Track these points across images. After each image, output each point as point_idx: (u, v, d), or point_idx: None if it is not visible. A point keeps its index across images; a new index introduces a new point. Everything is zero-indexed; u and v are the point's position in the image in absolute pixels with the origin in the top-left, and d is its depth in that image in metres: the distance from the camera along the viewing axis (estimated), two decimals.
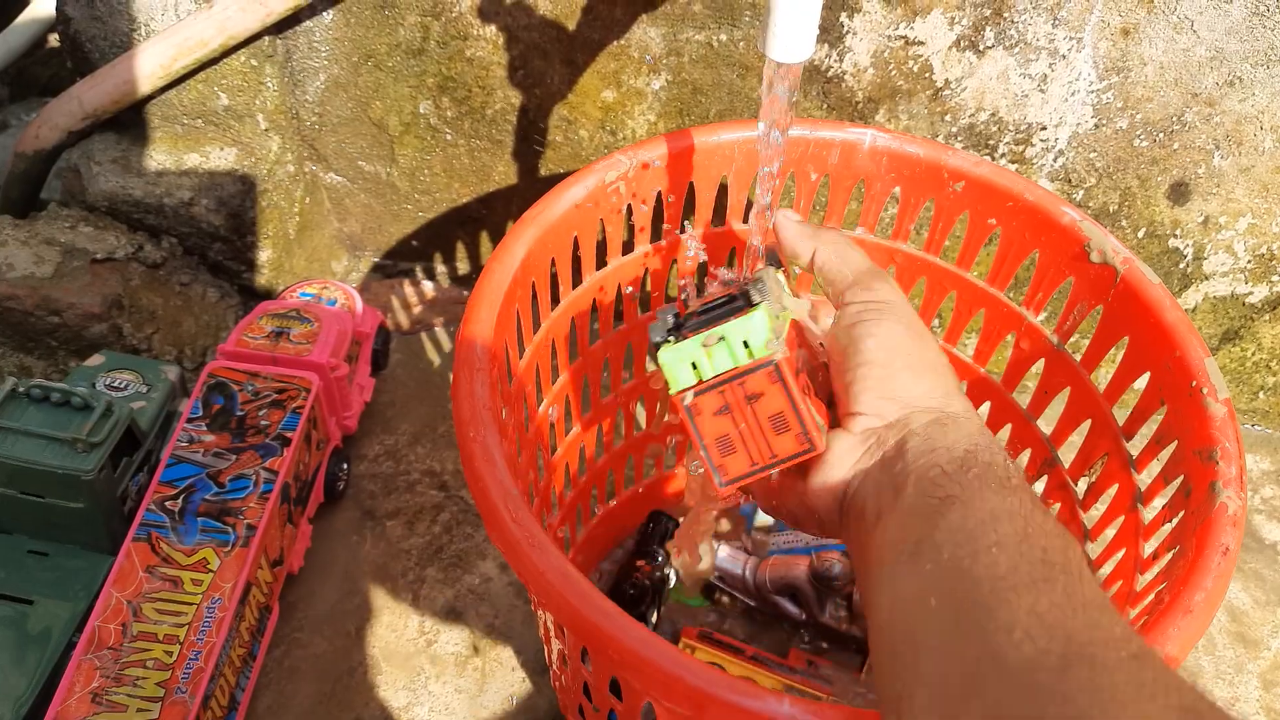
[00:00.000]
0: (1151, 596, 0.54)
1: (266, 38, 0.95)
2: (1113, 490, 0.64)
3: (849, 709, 0.42)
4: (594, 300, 0.72)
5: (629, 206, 0.69)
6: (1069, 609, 0.35)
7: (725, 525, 0.95)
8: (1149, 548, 0.58)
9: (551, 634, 0.63)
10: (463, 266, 1.18)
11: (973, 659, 0.36)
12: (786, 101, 0.53)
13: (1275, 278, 1.01)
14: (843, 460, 0.49)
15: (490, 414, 0.52)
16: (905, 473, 0.45)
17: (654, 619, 0.86)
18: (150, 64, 0.93)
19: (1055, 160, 0.95)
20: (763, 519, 0.94)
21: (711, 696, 0.43)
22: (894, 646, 0.41)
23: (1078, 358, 0.68)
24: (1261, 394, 1.12)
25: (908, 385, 0.48)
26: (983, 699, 0.34)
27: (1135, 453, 0.63)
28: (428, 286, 1.18)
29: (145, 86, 0.94)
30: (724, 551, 0.90)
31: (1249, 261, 1.00)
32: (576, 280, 0.71)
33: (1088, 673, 0.32)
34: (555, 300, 0.70)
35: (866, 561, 0.46)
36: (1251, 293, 1.03)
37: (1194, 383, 0.57)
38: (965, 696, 0.35)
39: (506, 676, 0.86)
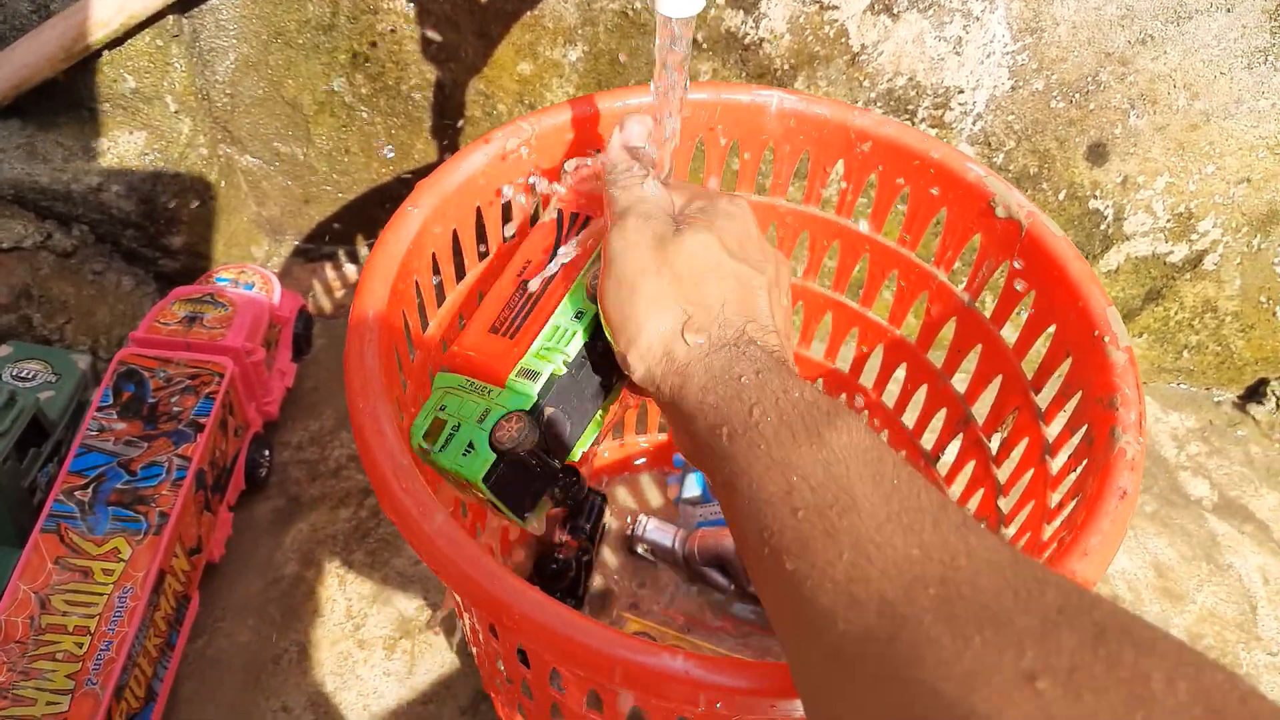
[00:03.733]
0: (1055, 545, 0.54)
1: (171, 17, 0.93)
2: (1023, 444, 0.65)
3: (738, 660, 0.42)
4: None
5: (533, 176, 0.68)
6: (866, 560, 0.35)
7: (663, 504, 0.95)
8: (1056, 497, 0.58)
9: (462, 608, 0.62)
10: None
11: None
12: (680, 58, 0.53)
13: (1194, 236, 1.02)
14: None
15: (381, 384, 0.51)
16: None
17: (581, 594, 0.85)
18: (50, 46, 0.90)
19: (974, 124, 0.95)
20: (691, 491, 0.94)
21: (607, 656, 0.42)
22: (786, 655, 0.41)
23: (988, 314, 0.68)
24: (1185, 353, 1.13)
25: (637, 349, 0.49)
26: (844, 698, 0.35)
27: (1044, 405, 0.63)
28: (350, 270, 1.17)
29: (47, 70, 0.91)
30: (653, 524, 0.89)
31: (1168, 221, 1.01)
32: (484, 253, 0.70)
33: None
34: (461, 273, 0.69)
35: None
36: (1172, 252, 1.04)
37: (1097, 331, 0.57)
38: (835, 711, 0.36)
39: (436, 658, 0.85)
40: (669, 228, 0.51)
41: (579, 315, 0.55)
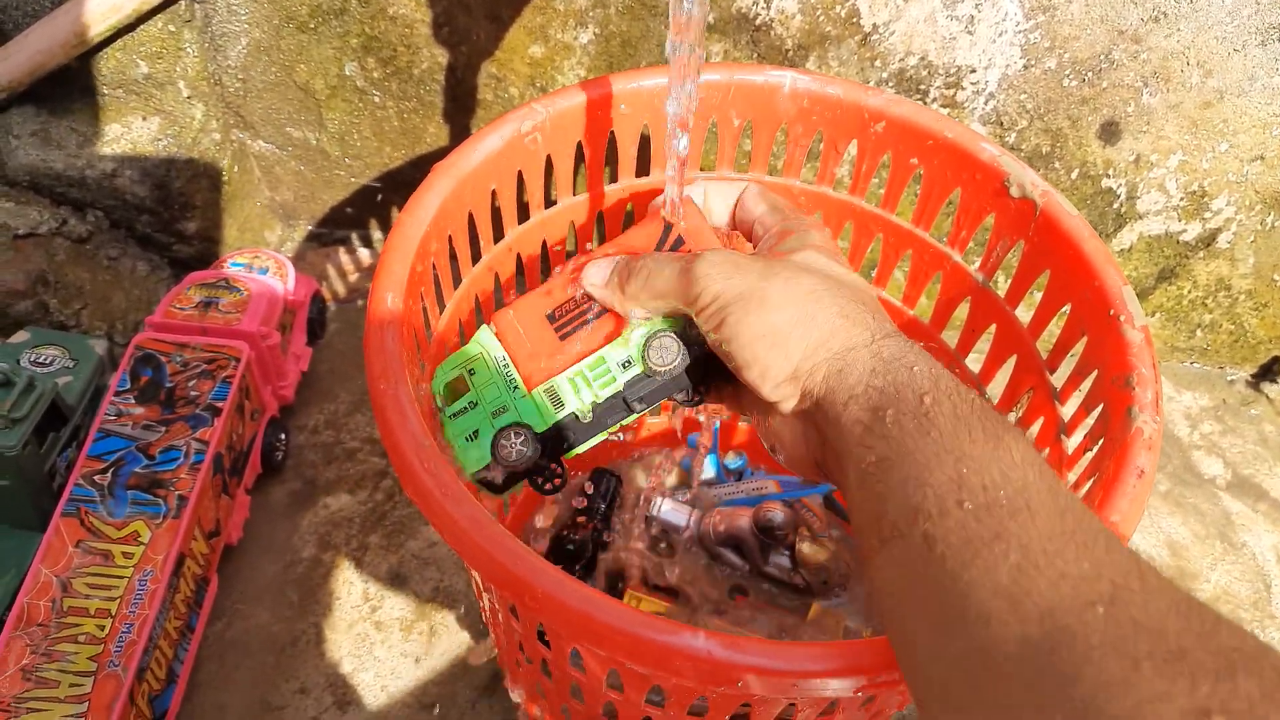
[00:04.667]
0: None
1: (183, 2, 0.93)
2: (1038, 424, 0.65)
3: (760, 639, 0.42)
4: (518, 256, 0.72)
5: (549, 158, 0.68)
6: (1034, 568, 0.34)
7: (671, 479, 0.95)
8: (1072, 477, 0.58)
9: (482, 589, 0.62)
10: None
11: (958, 657, 0.35)
12: (698, 19, 0.52)
13: (1208, 215, 1.02)
14: (795, 440, 0.50)
15: (401, 366, 0.51)
16: (841, 441, 0.44)
17: (597, 575, 0.86)
18: (64, 32, 0.90)
19: (986, 103, 0.95)
20: (706, 472, 0.94)
21: (628, 634, 0.43)
22: (893, 636, 0.41)
23: (1002, 294, 0.68)
24: (1199, 331, 1.13)
25: (782, 365, 0.47)
26: (981, 700, 0.34)
27: (1059, 385, 0.63)
28: (364, 254, 1.17)
29: (61, 56, 0.92)
30: (668, 505, 0.89)
31: (1181, 199, 1.01)
32: (499, 235, 0.70)
33: (1072, 651, 0.31)
34: (477, 256, 0.69)
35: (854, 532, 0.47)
36: (1185, 230, 1.03)
37: (1112, 311, 0.57)
38: (964, 706, 0.35)
39: (452, 639, 0.86)
40: (762, 255, 0.52)
41: (626, 364, 0.55)
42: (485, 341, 0.58)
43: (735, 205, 0.60)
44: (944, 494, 0.38)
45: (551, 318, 0.57)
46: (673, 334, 0.53)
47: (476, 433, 0.55)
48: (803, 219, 0.55)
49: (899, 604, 0.40)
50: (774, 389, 0.47)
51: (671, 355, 0.53)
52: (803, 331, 0.46)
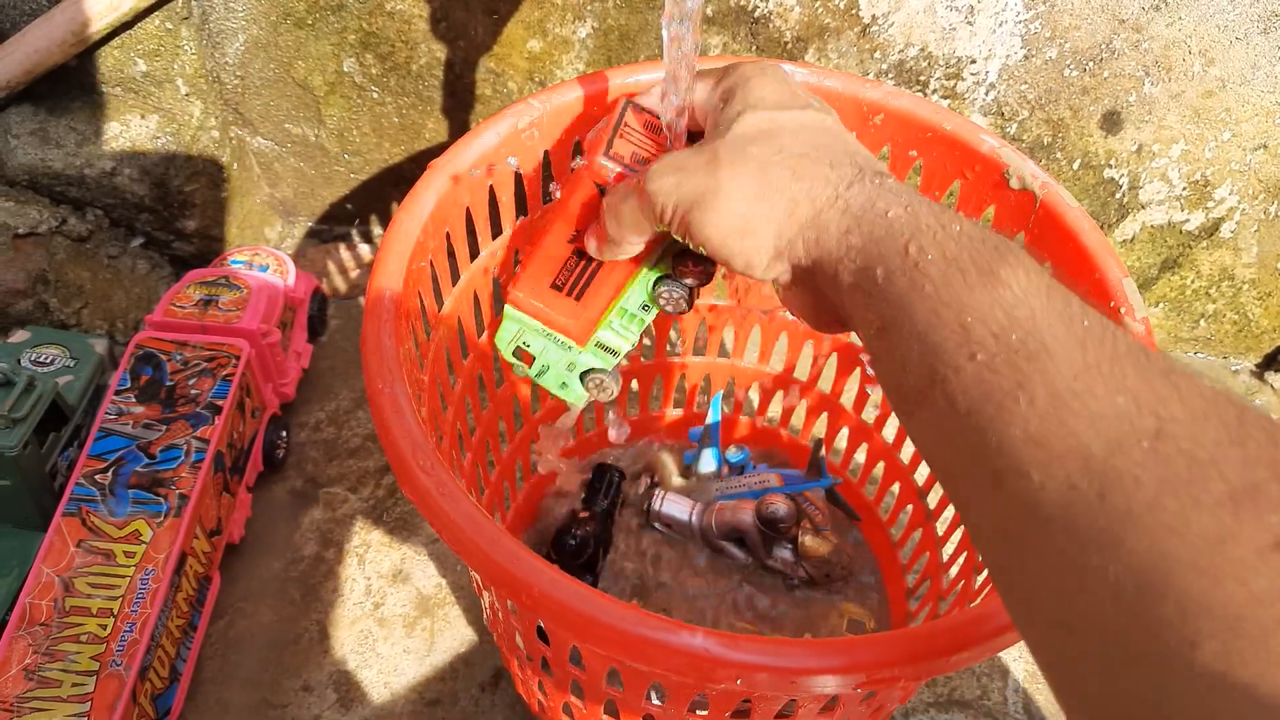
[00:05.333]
0: None
1: None
2: None
3: (758, 637, 0.42)
4: (515, 252, 0.71)
5: (546, 154, 0.68)
6: (1065, 410, 0.32)
7: (675, 478, 0.95)
8: None
9: (481, 586, 0.62)
10: None
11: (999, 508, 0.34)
12: (690, 32, 0.52)
13: (1211, 204, 1.01)
14: (806, 307, 0.48)
15: (398, 365, 0.51)
16: (843, 305, 0.43)
17: (599, 571, 0.86)
18: (61, 31, 0.90)
19: (987, 94, 0.95)
20: (707, 465, 0.94)
21: (626, 633, 0.43)
22: (952, 500, 0.39)
23: None
24: (1202, 321, 1.13)
25: (763, 250, 0.45)
26: (1035, 553, 0.32)
27: None
28: (364, 250, 1.17)
29: (59, 55, 0.92)
30: (669, 498, 0.89)
31: (1184, 188, 1.00)
32: (496, 231, 0.70)
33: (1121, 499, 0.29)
34: (475, 253, 0.69)
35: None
36: (1188, 220, 1.03)
37: (1113, 303, 0.57)
38: (1014, 566, 0.34)
39: (455, 635, 0.86)
40: (711, 134, 0.49)
41: (645, 308, 0.59)
42: (517, 318, 0.61)
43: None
44: (953, 350, 0.36)
45: (558, 286, 0.59)
46: (671, 279, 0.57)
47: (565, 384, 0.63)
48: (736, 67, 0.51)
49: (944, 470, 0.38)
50: (764, 272, 0.46)
51: (678, 295, 0.57)
52: (765, 210, 0.44)
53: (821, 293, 0.45)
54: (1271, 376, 1.15)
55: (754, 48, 0.94)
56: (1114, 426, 0.30)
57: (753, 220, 0.44)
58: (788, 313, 0.80)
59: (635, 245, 0.53)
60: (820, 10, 0.90)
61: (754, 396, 0.97)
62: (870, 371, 0.84)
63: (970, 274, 0.37)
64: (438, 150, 1.05)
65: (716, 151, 0.46)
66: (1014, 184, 0.64)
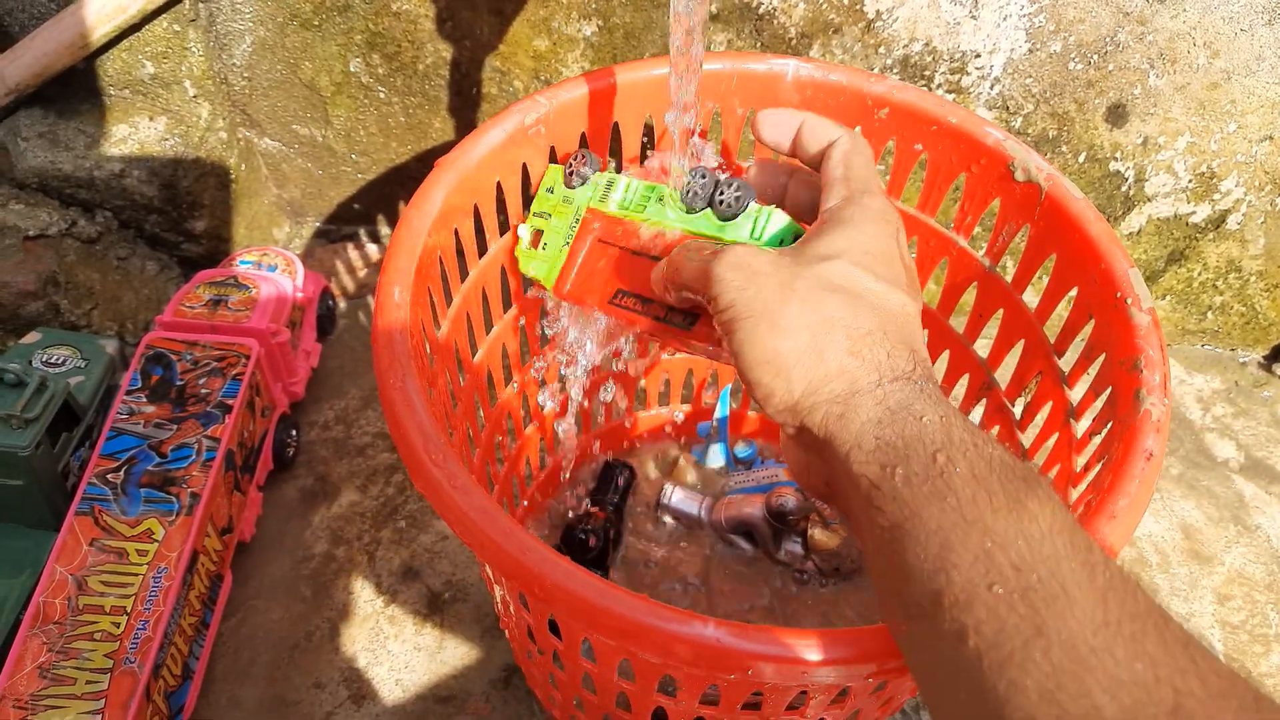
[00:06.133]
0: (1081, 509, 0.54)
1: (187, 1, 0.93)
2: (1047, 408, 0.65)
3: (770, 628, 0.42)
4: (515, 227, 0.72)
5: (552, 149, 0.68)
6: (1082, 669, 0.31)
7: (690, 475, 0.95)
8: (1081, 461, 0.58)
9: (493, 581, 0.63)
10: None
11: None
12: (699, 18, 0.53)
13: (1217, 196, 1.01)
14: (800, 465, 0.47)
15: (409, 360, 0.51)
16: (846, 494, 0.42)
17: (609, 566, 0.86)
18: (70, 34, 0.90)
19: (992, 88, 0.95)
20: (715, 461, 0.94)
21: (638, 623, 0.43)
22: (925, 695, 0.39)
23: (1009, 279, 0.68)
24: (1209, 314, 1.13)
25: (782, 393, 0.44)
26: None
27: (1067, 369, 0.63)
28: (372, 250, 1.17)
29: (67, 58, 0.92)
30: (679, 493, 0.90)
31: (1190, 181, 1.00)
32: (505, 228, 0.70)
33: None
34: (484, 249, 0.69)
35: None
36: (1194, 212, 1.03)
37: (1119, 294, 0.57)
38: None
39: (466, 631, 0.86)
40: (809, 239, 0.47)
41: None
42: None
43: (796, 134, 0.55)
44: (971, 576, 0.34)
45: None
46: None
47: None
48: (866, 191, 0.50)
49: (938, 692, 0.37)
50: (775, 413, 0.45)
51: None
52: (807, 366, 0.43)
53: (819, 459, 0.44)
54: (1279, 368, 1.15)
55: (759, 44, 0.94)
56: (1131, 695, 0.30)
57: (792, 367, 0.43)
58: None
59: (681, 299, 0.52)
60: (824, 6, 0.90)
61: None
62: None
63: (998, 498, 0.36)
64: (444, 149, 1.05)
65: (795, 276, 0.45)
66: (1019, 176, 0.64)
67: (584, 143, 0.69)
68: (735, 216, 0.54)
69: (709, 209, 0.55)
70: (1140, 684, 0.30)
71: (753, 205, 0.54)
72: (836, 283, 0.45)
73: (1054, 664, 0.31)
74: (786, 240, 0.53)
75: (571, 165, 0.64)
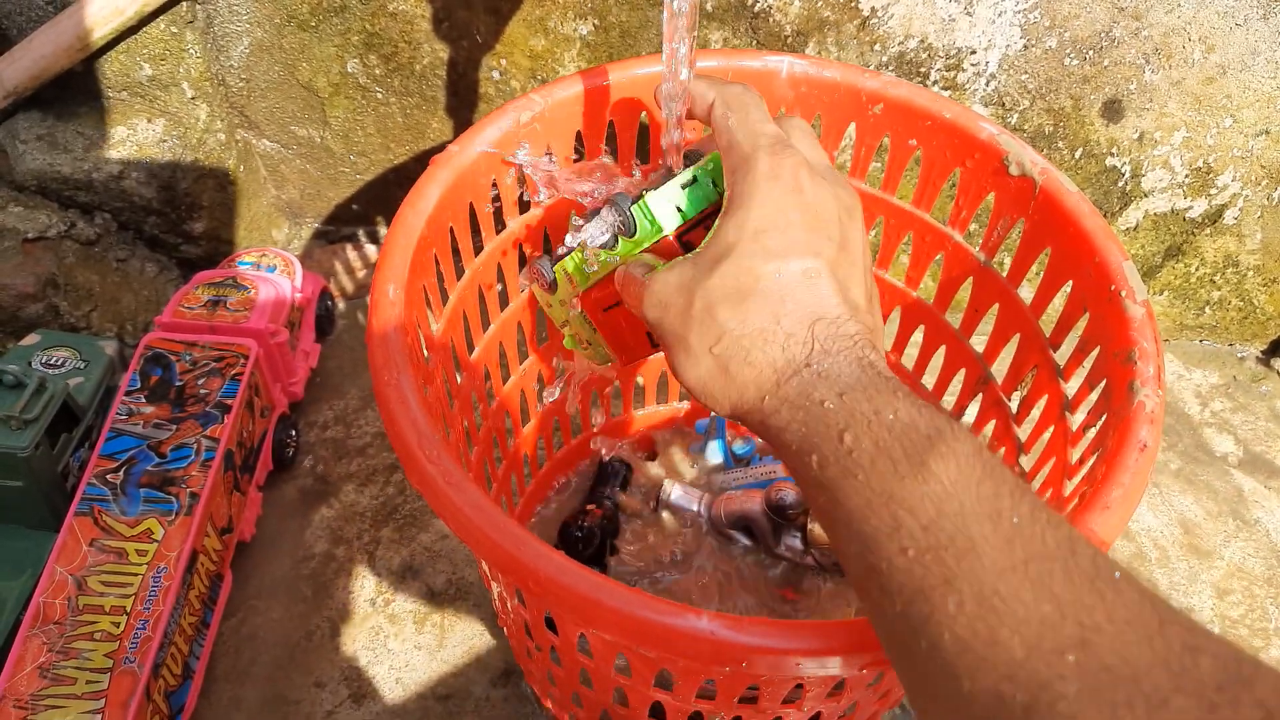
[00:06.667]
0: (1076, 501, 0.54)
1: (185, 3, 0.93)
2: (1043, 401, 0.65)
3: (764, 620, 0.43)
4: (520, 246, 0.72)
5: (549, 148, 0.68)
6: (992, 614, 0.32)
7: (688, 472, 0.96)
8: (1076, 454, 0.59)
9: (490, 577, 0.63)
10: None
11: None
12: (687, 18, 0.53)
13: (1214, 191, 1.01)
14: None
15: (404, 357, 0.52)
16: (796, 481, 0.43)
17: (606, 563, 0.86)
18: (67, 36, 0.91)
19: (988, 84, 0.95)
20: (714, 458, 0.94)
21: (632, 617, 0.43)
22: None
23: (1004, 273, 0.68)
24: (1208, 308, 1.13)
25: (721, 406, 0.46)
26: None
27: (1062, 362, 0.63)
28: (370, 250, 1.17)
29: (65, 60, 0.92)
30: (678, 489, 0.90)
31: (1186, 176, 1.00)
32: (500, 226, 0.70)
33: None
34: (479, 248, 0.69)
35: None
36: (1191, 207, 1.03)
37: (1113, 286, 0.57)
38: None
39: (465, 629, 0.86)
40: (708, 244, 0.47)
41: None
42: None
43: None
44: (885, 543, 0.36)
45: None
46: None
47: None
48: (752, 155, 0.47)
49: (894, 663, 0.38)
50: (725, 417, 0.48)
51: None
52: (721, 385, 0.45)
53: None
54: (1277, 362, 1.15)
55: (754, 42, 0.94)
56: (1039, 635, 0.31)
57: (711, 390, 0.46)
58: None
59: None
60: (820, 3, 0.90)
61: None
62: None
63: (900, 464, 0.37)
64: (442, 149, 1.05)
65: (693, 301, 0.46)
66: (1013, 170, 0.64)
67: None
68: (643, 230, 0.54)
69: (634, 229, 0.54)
70: (1046, 622, 0.31)
71: (670, 186, 0.53)
72: (729, 287, 0.45)
73: (966, 614, 0.32)
74: (710, 194, 0.53)
75: (528, 279, 0.64)
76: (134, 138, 0.99)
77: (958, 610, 0.33)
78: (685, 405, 0.98)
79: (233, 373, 0.86)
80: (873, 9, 0.90)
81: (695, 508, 0.89)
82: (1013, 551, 0.33)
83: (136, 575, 0.75)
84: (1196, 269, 1.09)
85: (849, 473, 0.38)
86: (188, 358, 0.87)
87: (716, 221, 0.47)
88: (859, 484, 0.38)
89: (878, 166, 0.92)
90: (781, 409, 0.43)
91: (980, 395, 0.73)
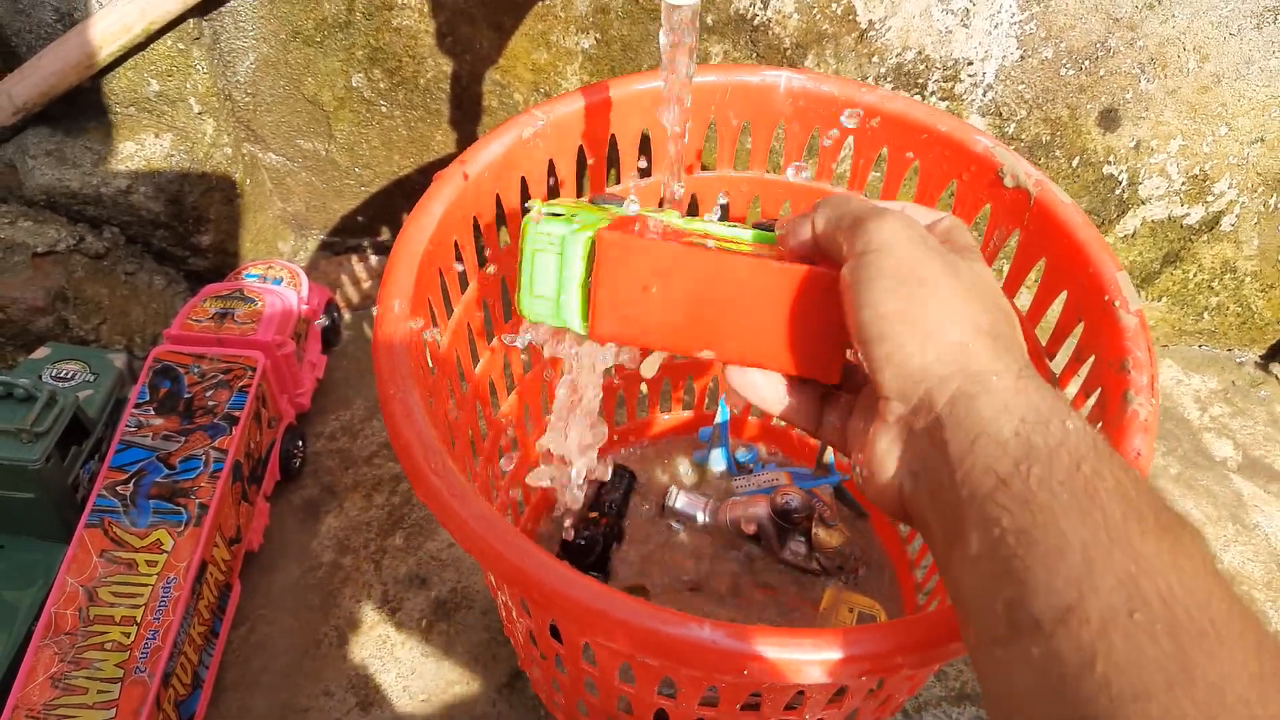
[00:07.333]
0: None
1: (191, 20, 0.95)
2: None
3: (766, 628, 0.43)
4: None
5: (550, 162, 0.69)
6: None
7: (691, 479, 0.96)
8: None
9: (495, 586, 0.64)
10: None
11: None
12: (686, 45, 0.54)
13: (1210, 198, 1.02)
14: (885, 459, 0.41)
15: (409, 370, 0.53)
16: (956, 488, 0.37)
17: (609, 570, 0.87)
18: (76, 53, 0.92)
19: (984, 95, 0.96)
20: (717, 465, 0.95)
21: (635, 627, 0.44)
22: None
23: (1001, 282, 0.69)
24: (1206, 314, 1.14)
25: (914, 355, 0.39)
26: None
27: (1058, 371, 0.64)
28: (376, 261, 1.19)
29: (73, 77, 0.94)
30: (682, 496, 0.91)
31: (1183, 183, 1.01)
32: (504, 240, 0.71)
33: None
34: (483, 261, 0.70)
35: (956, 604, 0.38)
36: (1188, 214, 1.04)
37: (1107, 296, 0.58)
38: None
39: (472, 638, 0.87)
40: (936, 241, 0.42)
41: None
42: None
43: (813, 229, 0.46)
44: (1110, 600, 0.31)
45: None
46: None
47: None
48: (872, 250, 0.41)
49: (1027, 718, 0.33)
50: (893, 378, 0.39)
51: None
52: (947, 330, 0.39)
53: (917, 453, 0.40)
54: (1276, 368, 1.16)
55: (754, 55, 0.95)
56: None
57: (930, 327, 0.39)
58: None
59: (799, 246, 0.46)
60: (819, 16, 0.91)
61: None
62: None
63: (1148, 523, 0.32)
64: (446, 162, 1.06)
65: (947, 255, 0.41)
66: (1008, 182, 0.65)
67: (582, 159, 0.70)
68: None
69: None
70: None
71: None
72: (983, 281, 0.41)
73: (1199, 708, 0.28)
74: None
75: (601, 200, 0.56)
76: (142, 152, 1.00)
77: (1187, 701, 0.29)
78: (689, 414, 0.99)
79: (240, 384, 0.87)
80: (870, 22, 0.91)
81: (700, 514, 0.90)
82: (1261, 657, 0.30)
83: (146, 586, 0.76)
84: (1194, 275, 1.10)
85: (1083, 508, 0.33)
86: (196, 370, 0.88)
87: None
88: (1093, 523, 0.33)
89: (876, 176, 0.93)
90: (1014, 399, 0.37)
91: None
